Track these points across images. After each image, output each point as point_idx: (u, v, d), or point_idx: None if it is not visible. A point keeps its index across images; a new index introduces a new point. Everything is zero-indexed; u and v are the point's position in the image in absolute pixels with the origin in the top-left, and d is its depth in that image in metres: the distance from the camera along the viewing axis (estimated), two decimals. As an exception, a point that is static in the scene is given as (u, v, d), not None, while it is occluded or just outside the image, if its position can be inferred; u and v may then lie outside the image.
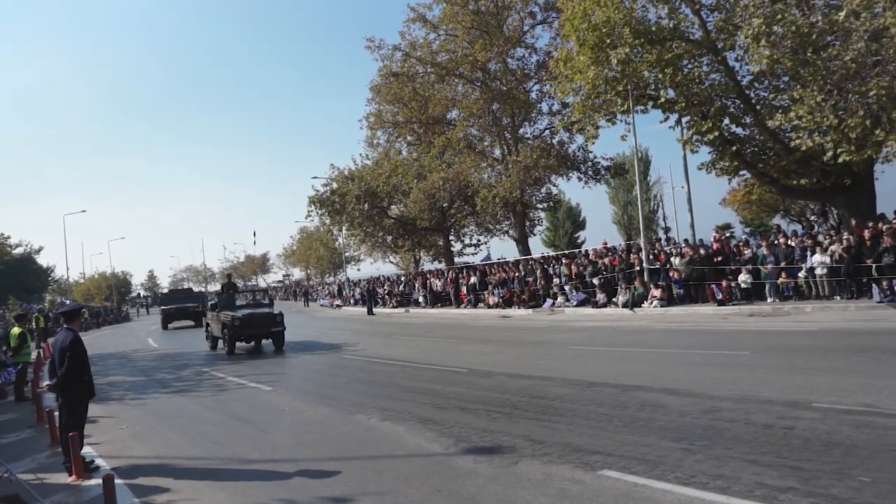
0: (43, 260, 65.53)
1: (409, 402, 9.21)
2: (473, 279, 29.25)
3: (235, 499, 5.71)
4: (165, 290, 45.20)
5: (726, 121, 20.08)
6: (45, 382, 8.73)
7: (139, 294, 62.28)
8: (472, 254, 42.34)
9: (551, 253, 34.83)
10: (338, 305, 44.25)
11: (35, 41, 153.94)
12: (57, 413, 7.42)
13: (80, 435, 6.91)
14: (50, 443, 8.33)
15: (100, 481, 5.51)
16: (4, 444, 8.85)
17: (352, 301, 42.78)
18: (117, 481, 5.73)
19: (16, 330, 14.12)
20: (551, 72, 23.80)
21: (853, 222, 17.36)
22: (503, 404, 8.48)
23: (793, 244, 17.49)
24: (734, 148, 19.77)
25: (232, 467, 6.76)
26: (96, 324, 45.62)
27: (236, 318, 17.99)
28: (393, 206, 40.01)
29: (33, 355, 15.70)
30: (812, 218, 23.61)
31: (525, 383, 9.91)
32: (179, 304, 34.90)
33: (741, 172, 21.60)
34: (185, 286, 52.32)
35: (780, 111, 17.40)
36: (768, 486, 4.73)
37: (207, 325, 21.00)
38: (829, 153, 16.68)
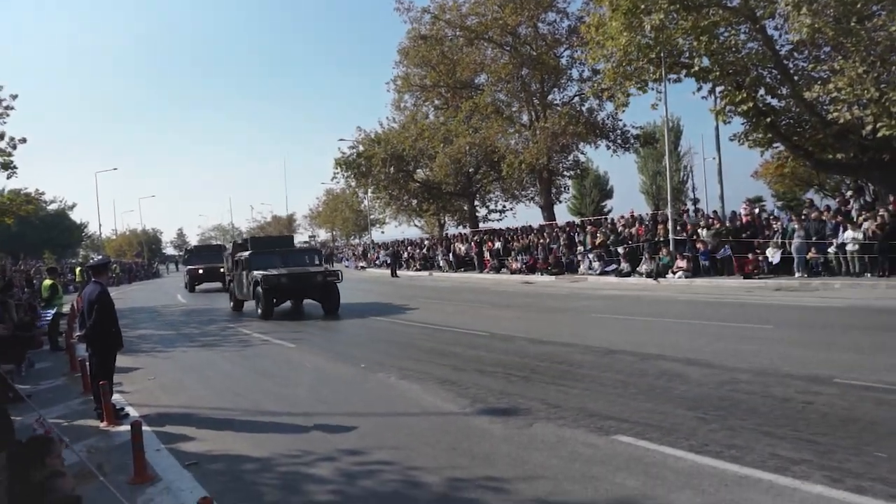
0: (76, 216, 66.90)
1: (428, 363, 9.34)
2: (497, 244, 29.26)
3: (256, 448, 5.89)
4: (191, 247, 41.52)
5: (761, 91, 19.55)
6: (77, 333, 9.02)
7: (184, 251, 62.23)
8: (498, 220, 42.24)
9: (577, 220, 34.52)
10: (362, 267, 44.65)
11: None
12: (88, 363, 7.69)
13: (110, 384, 7.17)
14: (82, 391, 8.61)
15: (128, 427, 5.72)
16: (40, 390, 9.20)
17: (376, 263, 43.15)
18: (145, 428, 5.94)
19: (47, 282, 14.64)
20: (583, 37, 23.34)
21: (890, 199, 16.89)
22: (522, 368, 8.56)
23: (824, 219, 17.12)
24: (768, 119, 19.26)
25: (254, 419, 6.96)
26: (127, 279, 46.67)
27: None
28: (419, 170, 39.98)
29: (66, 307, 16.17)
30: (848, 193, 23.05)
31: (545, 348, 9.96)
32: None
33: (775, 145, 21.10)
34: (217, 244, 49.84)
35: (819, 82, 16.89)
36: (781, 457, 4.73)
37: None
38: (869, 127, 16.19)
